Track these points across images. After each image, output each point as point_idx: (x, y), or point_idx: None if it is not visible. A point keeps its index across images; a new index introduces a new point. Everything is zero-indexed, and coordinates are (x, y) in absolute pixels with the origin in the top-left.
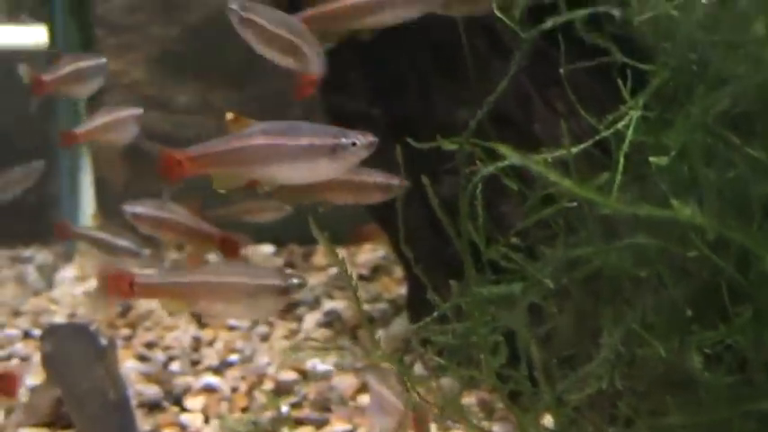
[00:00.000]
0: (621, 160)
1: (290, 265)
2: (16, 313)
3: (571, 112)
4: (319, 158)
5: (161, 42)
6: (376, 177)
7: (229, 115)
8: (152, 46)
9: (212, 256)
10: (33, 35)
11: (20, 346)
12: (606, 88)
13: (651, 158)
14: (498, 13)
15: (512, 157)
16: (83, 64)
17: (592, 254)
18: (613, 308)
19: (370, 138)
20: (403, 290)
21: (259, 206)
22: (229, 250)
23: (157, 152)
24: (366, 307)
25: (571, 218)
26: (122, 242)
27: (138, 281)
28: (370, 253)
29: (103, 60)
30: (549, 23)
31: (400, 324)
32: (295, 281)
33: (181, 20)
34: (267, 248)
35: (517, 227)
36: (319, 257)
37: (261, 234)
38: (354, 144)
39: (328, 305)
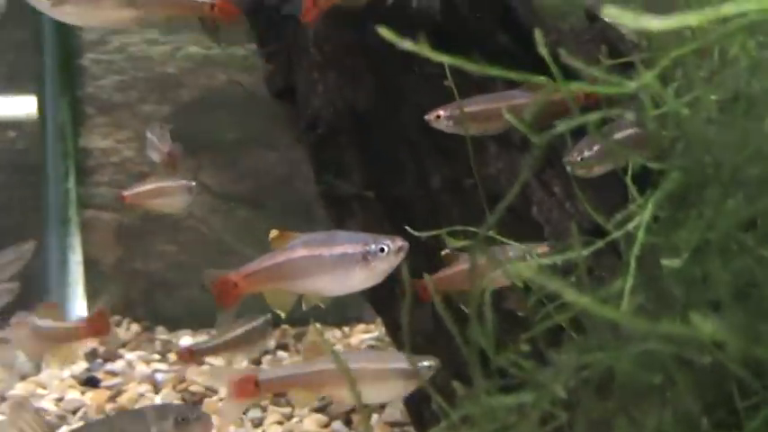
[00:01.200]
0: (633, 263)
1: (282, 346)
2: (2, 398)
3: (568, 195)
4: (353, 267)
5: (152, 120)
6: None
7: (273, 233)
8: (143, 124)
9: None
10: (23, 106)
11: None
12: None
13: (663, 261)
14: (509, 116)
15: (519, 268)
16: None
17: (603, 360)
18: (625, 413)
19: (399, 242)
20: None
21: None
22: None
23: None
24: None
25: (579, 316)
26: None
27: (263, 378)
28: (364, 334)
29: (192, 184)
30: (560, 128)
31: (395, 408)
32: (425, 363)
33: (173, 98)
34: None
35: (526, 327)
36: (312, 338)
37: (253, 314)
38: (383, 250)
39: None
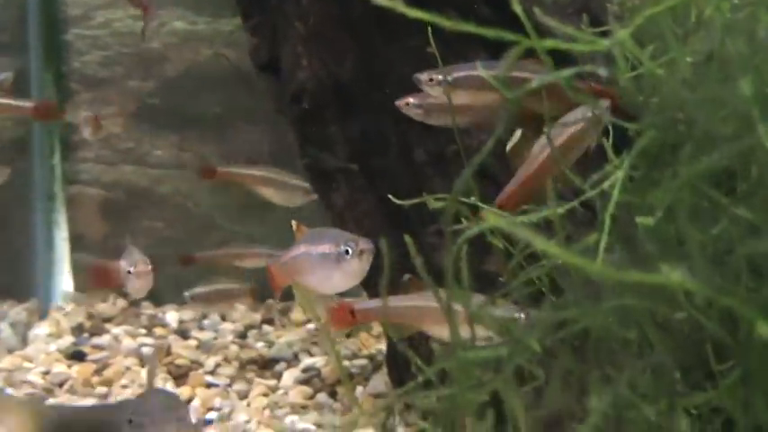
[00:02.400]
0: (608, 221)
1: (268, 320)
2: None
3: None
4: (329, 267)
5: (137, 96)
6: None
7: (294, 224)
8: (129, 99)
9: None
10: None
11: None
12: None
13: (637, 219)
14: (487, 76)
15: (497, 220)
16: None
17: (578, 316)
18: (600, 370)
19: (363, 245)
20: (382, 345)
21: (251, 252)
22: None
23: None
24: (345, 363)
25: (556, 276)
26: None
27: (359, 308)
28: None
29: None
30: (534, 83)
31: (380, 381)
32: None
33: (158, 73)
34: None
35: (502, 285)
36: (298, 313)
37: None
38: (347, 252)
39: (307, 361)
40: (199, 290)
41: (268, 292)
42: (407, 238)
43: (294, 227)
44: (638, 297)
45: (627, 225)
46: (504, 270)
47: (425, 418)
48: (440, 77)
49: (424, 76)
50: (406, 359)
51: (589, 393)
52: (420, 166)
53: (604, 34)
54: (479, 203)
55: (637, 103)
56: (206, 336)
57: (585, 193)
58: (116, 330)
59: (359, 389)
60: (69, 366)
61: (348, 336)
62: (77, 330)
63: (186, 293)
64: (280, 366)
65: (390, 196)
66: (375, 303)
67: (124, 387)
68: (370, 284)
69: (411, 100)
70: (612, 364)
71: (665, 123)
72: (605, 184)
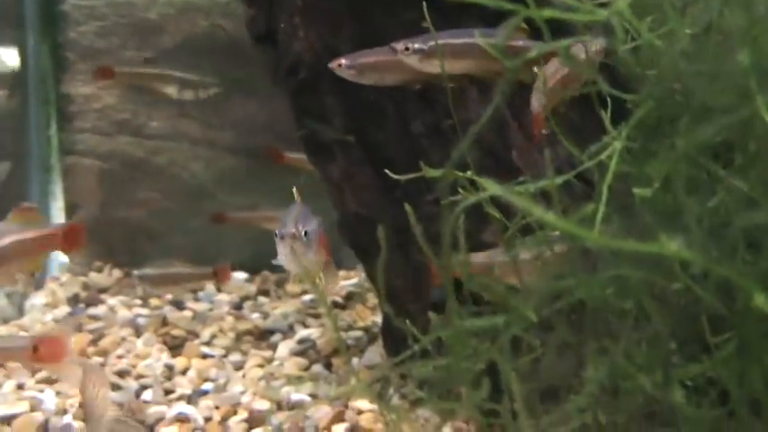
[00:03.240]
0: (605, 191)
1: (263, 292)
2: None
3: (548, 140)
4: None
5: (134, 66)
6: None
7: (295, 192)
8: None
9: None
10: (4, 53)
11: None
12: (585, 118)
13: (635, 189)
14: (483, 43)
15: (494, 188)
16: None
17: (575, 286)
18: (597, 340)
19: (290, 229)
20: (377, 317)
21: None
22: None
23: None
24: (340, 335)
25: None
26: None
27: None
28: (345, 280)
29: None
30: (533, 53)
31: (375, 352)
32: None
33: (154, 44)
34: (239, 275)
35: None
36: (293, 285)
37: (232, 261)
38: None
39: (302, 333)
40: (148, 271)
41: (261, 263)
42: (407, 208)
43: (295, 195)
44: (635, 268)
45: (624, 197)
46: (500, 240)
47: (421, 387)
48: (415, 46)
49: (399, 46)
50: (402, 332)
51: (585, 364)
52: (417, 138)
53: (604, 5)
54: (476, 175)
55: (635, 74)
56: (201, 307)
57: (583, 165)
58: (112, 301)
59: (354, 360)
60: None
61: (344, 308)
62: (73, 301)
63: (136, 272)
64: (275, 338)
65: (387, 172)
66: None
67: (120, 357)
68: (367, 256)
69: (343, 61)
70: (609, 335)
71: (663, 95)
72: (603, 156)
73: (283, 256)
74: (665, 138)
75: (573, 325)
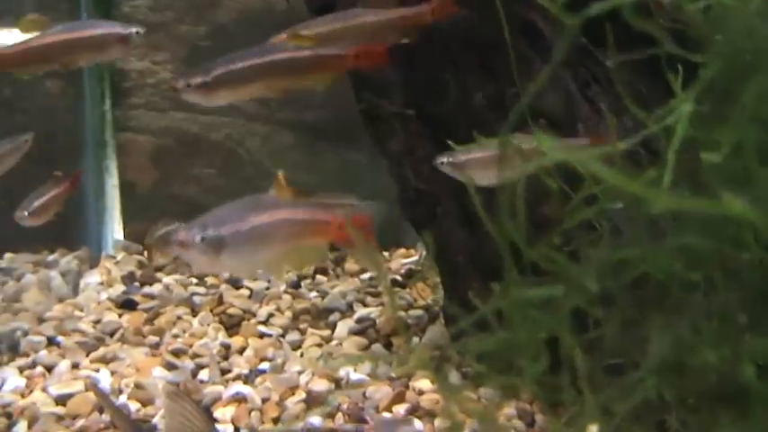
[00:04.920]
0: (672, 156)
1: (321, 270)
2: (40, 320)
3: (615, 111)
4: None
5: (189, 41)
6: None
7: (281, 175)
8: (180, 45)
9: None
10: None
11: (44, 354)
12: (651, 87)
13: (703, 155)
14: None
15: (556, 151)
16: None
17: (639, 256)
18: (662, 314)
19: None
20: (438, 296)
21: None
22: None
23: None
24: (400, 314)
25: (616, 220)
26: None
27: None
28: (404, 258)
29: None
30: (594, 9)
31: (436, 332)
32: None
33: (210, 18)
34: None
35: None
36: (352, 263)
37: None
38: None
39: (362, 312)
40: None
41: None
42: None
43: (280, 179)
44: (704, 237)
45: (693, 164)
46: (560, 213)
47: (480, 361)
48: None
49: (179, 83)
50: (464, 310)
51: (649, 338)
52: (479, 110)
53: None
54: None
55: (704, 33)
56: (258, 285)
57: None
58: (167, 280)
59: (414, 339)
60: (120, 315)
61: (404, 286)
62: (128, 279)
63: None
64: (334, 317)
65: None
66: None
67: (175, 337)
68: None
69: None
70: (674, 307)
71: (733, 55)
72: (669, 120)
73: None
74: (735, 102)
75: (637, 297)
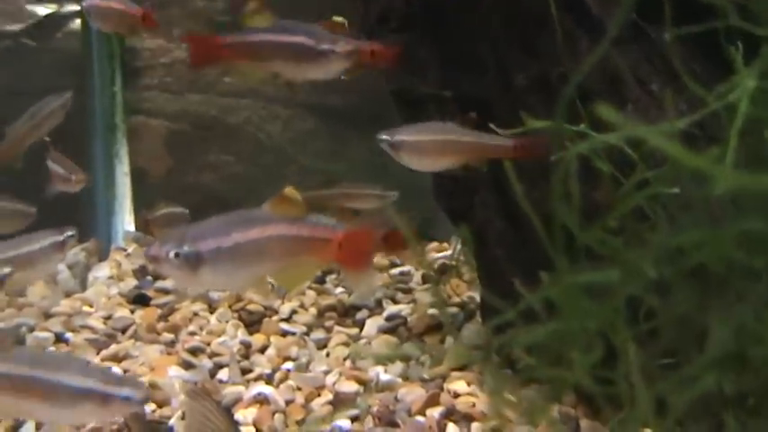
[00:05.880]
0: (735, 135)
1: None
2: (47, 315)
3: (667, 91)
4: None
5: (206, 16)
6: None
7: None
8: (196, 21)
9: None
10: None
11: (51, 351)
12: (705, 67)
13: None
14: None
15: (621, 125)
16: None
17: (699, 241)
18: (722, 302)
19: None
20: (474, 293)
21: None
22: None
23: None
24: (433, 312)
25: (672, 206)
26: None
27: None
28: (437, 253)
29: None
30: None
31: (473, 330)
32: None
33: None
34: None
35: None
36: (380, 257)
37: None
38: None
39: (392, 309)
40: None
41: None
42: (506, 165)
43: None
44: (764, 219)
45: (754, 144)
46: (609, 197)
47: (529, 352)
48: None
49: None
50: (502, 307)
51: (708, 328)
52: (520, 91)
53: None
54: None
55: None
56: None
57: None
58: None
59: (448, 340)
60: (132, 311)
61: (437, 282)
62: (140, 273)
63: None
64: (361, 314)
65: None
66: None
67: (192, 334)
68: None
69: None
70: (736, 295)
71: None
72: (731, 97)
73: None
74: None
75: (696, 284)
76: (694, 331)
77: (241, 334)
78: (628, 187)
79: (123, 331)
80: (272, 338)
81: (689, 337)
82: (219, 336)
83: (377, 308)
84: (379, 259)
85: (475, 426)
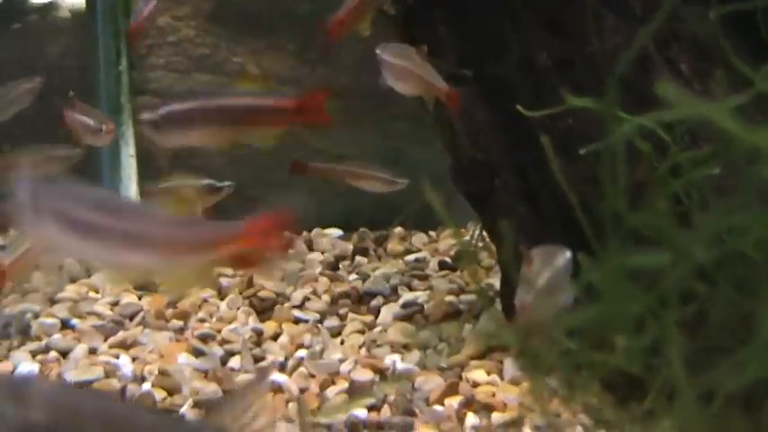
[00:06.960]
0: None
1: (361, 251)
2: (52, 301)
3: (697, 72)
4: None
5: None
6: None
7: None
8: None
9: None
10: None
11: (57, 337)
12: (737, 47)
13: None
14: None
15: (678, 103)
16: None
17: (751, 223)
18: None
19: None
20: (492, 279)
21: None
22: None
23: None
24: (450, 299)
25: (718, 187)
26: None
27: None
28: (454, 239)
29: None
30: None
31: (491, 318)
32: None
33: None
34: (333, 232)
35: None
36: (395, 243)
37: (326, 218)
38: None
39: (408, 296)
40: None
41: (357, 220)
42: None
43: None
44: None
45: None
46: (649, 178)
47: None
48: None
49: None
50: None
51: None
52: (543, 71)
53: None
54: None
55: None
56: (291, 267)
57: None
58: None
59: (466, 326)
60: (140, 297)
61: (453, 269)
62: None
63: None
64: (376, 301)
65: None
66: None
67: (201, 321)
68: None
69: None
70: None
71: None
72: None
73: None
74: None
75: (744, 271)
76: (741, 318)
77: (252, 321)
78: (668, 167)
79: (131, 318)
80: (285, 326)
81: (735, 324)
82: (230, 323)
83: (392, 295)
84: (394, 245)
85: (495, 416)
